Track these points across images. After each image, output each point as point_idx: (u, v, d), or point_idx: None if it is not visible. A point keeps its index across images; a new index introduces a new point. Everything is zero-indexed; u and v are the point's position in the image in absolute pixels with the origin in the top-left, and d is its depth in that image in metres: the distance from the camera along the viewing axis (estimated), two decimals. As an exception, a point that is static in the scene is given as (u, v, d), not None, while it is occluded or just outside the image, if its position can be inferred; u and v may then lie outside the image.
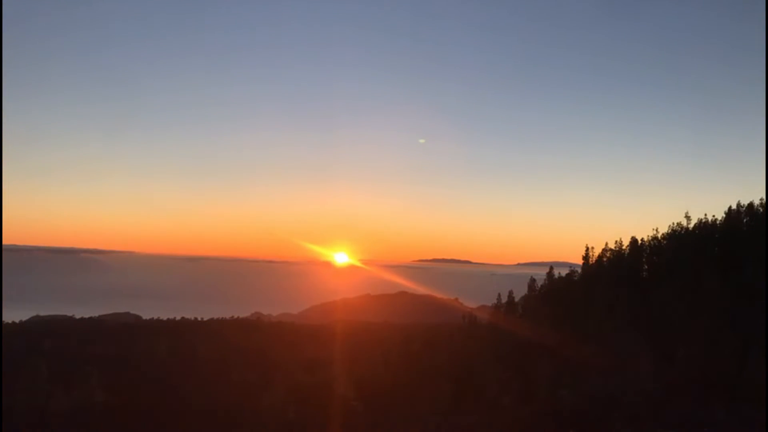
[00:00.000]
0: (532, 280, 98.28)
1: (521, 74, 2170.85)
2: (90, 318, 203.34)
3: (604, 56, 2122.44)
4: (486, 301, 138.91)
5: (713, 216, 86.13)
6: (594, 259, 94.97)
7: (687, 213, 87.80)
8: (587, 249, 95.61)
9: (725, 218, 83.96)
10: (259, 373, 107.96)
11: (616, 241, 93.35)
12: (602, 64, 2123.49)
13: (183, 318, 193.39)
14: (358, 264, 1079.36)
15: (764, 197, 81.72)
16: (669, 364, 62.20)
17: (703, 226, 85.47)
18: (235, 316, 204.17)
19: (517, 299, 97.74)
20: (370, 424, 64.16)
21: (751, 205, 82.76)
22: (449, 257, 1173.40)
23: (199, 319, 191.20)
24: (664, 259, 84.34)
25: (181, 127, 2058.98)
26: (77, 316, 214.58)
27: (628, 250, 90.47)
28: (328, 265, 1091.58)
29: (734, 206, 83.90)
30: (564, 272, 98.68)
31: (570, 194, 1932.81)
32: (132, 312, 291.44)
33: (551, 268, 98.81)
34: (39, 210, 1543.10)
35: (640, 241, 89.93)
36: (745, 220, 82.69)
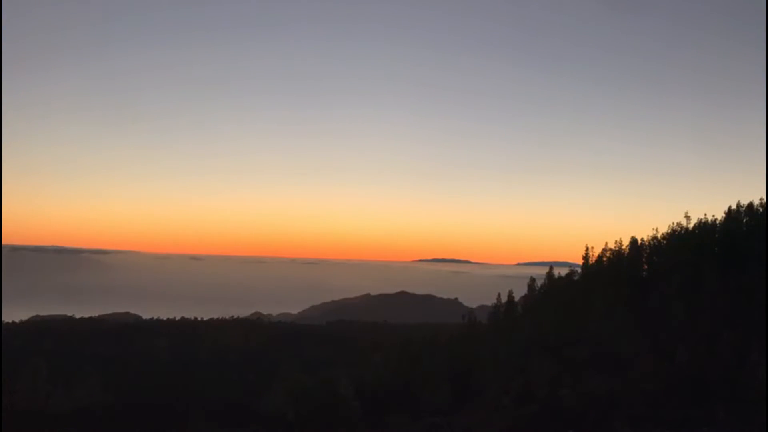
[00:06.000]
0: (532, 280, 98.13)
1: (521, 74, 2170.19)
2: (90, 318, 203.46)
3: (604, 57, 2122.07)
4: (486, 301, 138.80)
5: (713, 216, 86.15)
6: (594, 259, 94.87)
7: (687, 213, 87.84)
8: (587, 249, 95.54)
9: (725, 218, 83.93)
10: (259, 373, 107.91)
11: (616, 241, 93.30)
12: (602, 64, 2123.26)
13: (183, 318, 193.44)
14: (359, 264, 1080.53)
15: (764, 197, 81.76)
16: (669, 364, 62.15)
17: (703, 226, 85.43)
18: (235, 316, 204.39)
19: (517, 299, 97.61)
20: (370, 424, 64.09)
21: (751, 205, 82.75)
22: (449, 257, 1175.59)
23: (199, 319, 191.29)
24: (664, 259, 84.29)
25: (182, 127, 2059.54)
26: (77, 316, 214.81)
27: (628, 250, 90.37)
28: (328, 264, 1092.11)
29: (734, 206, 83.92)
30: (564, 272, 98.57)
31: (570, 194, 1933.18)
32: (132, 312, 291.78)
33: (551, 268, 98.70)
34: (40, 210, 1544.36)
35: (640, 241, 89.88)
36: (745, 220, 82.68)
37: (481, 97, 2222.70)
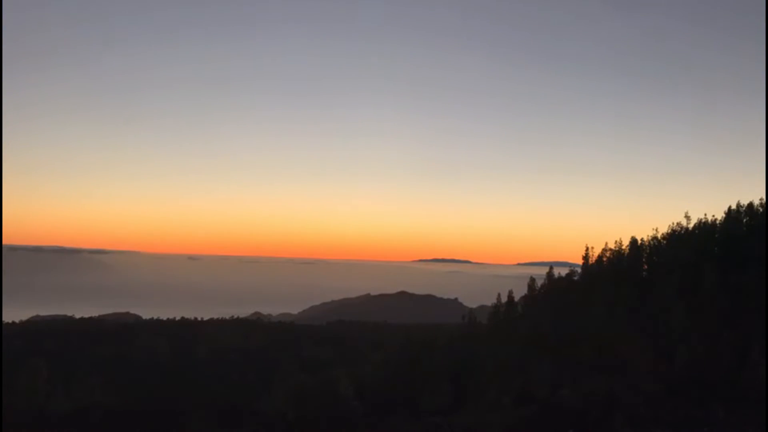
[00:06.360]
0: (532, 280, 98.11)
1: (520, 75, 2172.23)
2: (90, 318, 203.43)
3: (604, 57, 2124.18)
4: (486, 301, 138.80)
5: (713, 216, 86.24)
6: (594, 259, 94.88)
7: (687, 213, 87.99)
8: (587, 249, 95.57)
9: (725, 218, 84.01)
10: (259, 373, 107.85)
11: (616, 241, 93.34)
12: (602, 64, 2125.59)
13: (183, 318, 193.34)
14: (359, 264, 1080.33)
15: (764, 197, 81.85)
16: (669, 364, 62.16)
17: (703, 226, 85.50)
18: (235, 316, 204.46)
19: (517, 299, 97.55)
20: (370, 424, 64.07)
21: (751, 205, 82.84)
22: (449, 257, 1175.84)
23: (199, 319, 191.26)
24: (664, 259, 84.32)
25: (182, 127, 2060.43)
26: (77, 316, 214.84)
27: (628, 250, 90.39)
28: (327, 264, 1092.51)
29: (734, 206, 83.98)
30: (564, 272, 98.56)
31: (570, 194, 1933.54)
32: (132, 312, 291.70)
33: (551, 268, 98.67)
34: (40, 210, 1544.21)
35: (640, 241, 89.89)
36: (745, 220, 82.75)
37: (481, 97, 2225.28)
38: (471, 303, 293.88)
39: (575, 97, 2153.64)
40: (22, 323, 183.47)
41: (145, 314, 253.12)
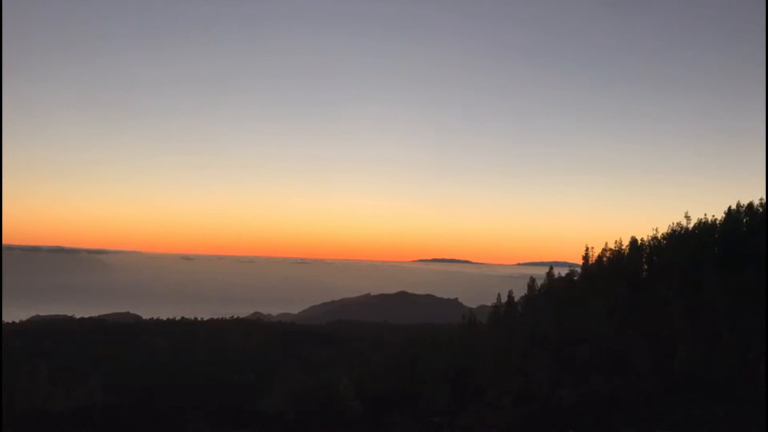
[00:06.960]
0: (532, 280, 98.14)
1: (521, 74, 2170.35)
2: (90, 318, 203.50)
3: (604, 56, 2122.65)
4: (486, 301, 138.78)
5: (713, 216, 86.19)
6: (594, 259, 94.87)
7: (687, 213, 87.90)
8: (587, 249, 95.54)
9: (725, 218, 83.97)
10: (259, 373, 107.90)
11: (616, 241, 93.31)
12: (602, 64, 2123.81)
13: (183, 318, 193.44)
14: (359, 264, 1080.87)
15: (764, 197, 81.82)
16: (669, 364, 62.18)
17: (703, 226, 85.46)
18: (235, 316, 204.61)
19: (517, 299, 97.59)
20: (370, 424, 64.07)
21: (751, 205, 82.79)
22: (449, 257, 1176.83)
23: (199, 319, 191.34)
24: (664, 259, 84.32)
25: (180, 126, 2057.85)
26: (77, 316, 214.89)
27: (628, 250, 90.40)
28: (327, 264, 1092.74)
29: (734, 206, 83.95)
30: (564, 272, 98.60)
31: (570, 194, 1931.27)
32: (132, 312, 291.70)
33: (551, 268, 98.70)
34: (38, 209, 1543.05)
35: (640, 241, 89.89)
36: (745, 220, 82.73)
37: (482, 97, 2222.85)
38: (471, 303, 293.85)
39: (575, 97, 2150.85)
40: (22, 323, 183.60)
41: (145, 314, 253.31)
